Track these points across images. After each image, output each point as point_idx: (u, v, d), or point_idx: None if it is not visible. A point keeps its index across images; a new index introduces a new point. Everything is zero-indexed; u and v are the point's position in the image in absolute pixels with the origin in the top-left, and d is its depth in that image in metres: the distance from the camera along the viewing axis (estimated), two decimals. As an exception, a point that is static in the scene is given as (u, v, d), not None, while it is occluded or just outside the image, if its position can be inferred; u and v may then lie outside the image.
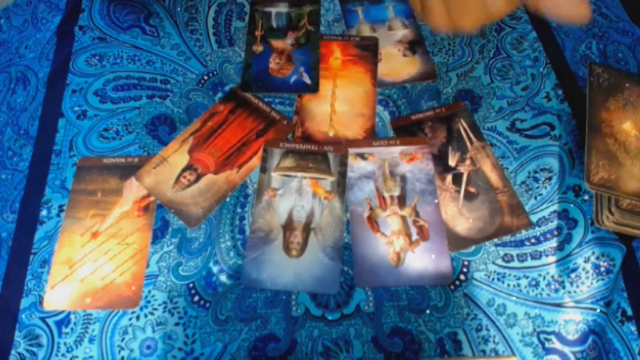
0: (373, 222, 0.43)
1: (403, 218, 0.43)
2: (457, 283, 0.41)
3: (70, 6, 0.56)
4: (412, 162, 0.46)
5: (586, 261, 0.42)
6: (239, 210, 0.45)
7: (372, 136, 0.48)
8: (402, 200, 0.44)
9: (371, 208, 0.44)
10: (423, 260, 0.41)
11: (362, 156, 0.47)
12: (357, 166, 0.46)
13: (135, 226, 0.43)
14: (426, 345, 0.39)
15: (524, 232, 0.43)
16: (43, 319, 0.40)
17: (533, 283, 0.41)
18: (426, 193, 0.45)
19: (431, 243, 0.42)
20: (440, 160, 0.47)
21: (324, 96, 0.51)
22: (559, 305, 0.41)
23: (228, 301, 0.41)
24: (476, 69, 0.52)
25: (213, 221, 0.44)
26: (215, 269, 0.42)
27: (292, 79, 0.51)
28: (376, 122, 0.49)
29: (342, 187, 0.45)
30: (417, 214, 0.43)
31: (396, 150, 0.47)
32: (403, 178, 0.45)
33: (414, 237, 0.42)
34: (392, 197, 0.44)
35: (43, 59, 0.53)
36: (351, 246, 0.43)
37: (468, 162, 0.46)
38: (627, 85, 0.48)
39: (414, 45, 0.54)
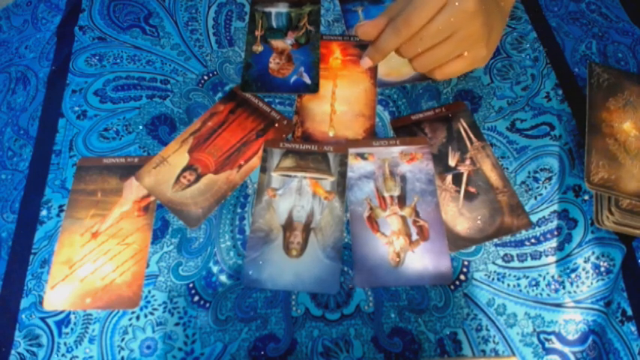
0: (373, 222, 0.43)
1: (403, 218, 0.43)
2: (457, 283, 0.41)
3: (70, 6, 0.56)
4: (412, 162, 0.46)
5: (586, 261, 0.42)
6: (239, 210, 0.45)
7: (372, 136, 0.48)
8: (402, 200, 0.44)
9: (371, 208, 0.44)
10: (423, 260, 0.41)
11: (362, 156, 0.47)
12: (357, 166, 0.46)
13: (135, 226, 0.43)
14: (426, 345, 0.39)
15: (524, 232, 0.43)
16: (43, 319, 0.40)
17: (533, 283, 0.41)
18: (426, 193, 0.44)
19: (431, 243, 0.42)
20: (440, 160, 0.47)
21: (324, 96, 0.50)
22: (559, 305, 0.40)
23: (228, 301, 0.41)
24: (476, 69, 0.52)
25: (213, 221, 0.44)
26: (215, 269, 0.42)
27: (292, 79, 0.51)
28: (376, 122, 0.49)
29: (342, 187, 0.45)
30: (417, 214, 0.43)
31: (396, 150, 0.47)
32: (403, 178, 0.45)
33: (414, 237, 0.42)
34: (392, 197, 0.44)
35: (43, 59, 0.53)
36: (351, 246, 0.42)
37: (468, 162, 0.46)
38: (627, 85, 0.48)
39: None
